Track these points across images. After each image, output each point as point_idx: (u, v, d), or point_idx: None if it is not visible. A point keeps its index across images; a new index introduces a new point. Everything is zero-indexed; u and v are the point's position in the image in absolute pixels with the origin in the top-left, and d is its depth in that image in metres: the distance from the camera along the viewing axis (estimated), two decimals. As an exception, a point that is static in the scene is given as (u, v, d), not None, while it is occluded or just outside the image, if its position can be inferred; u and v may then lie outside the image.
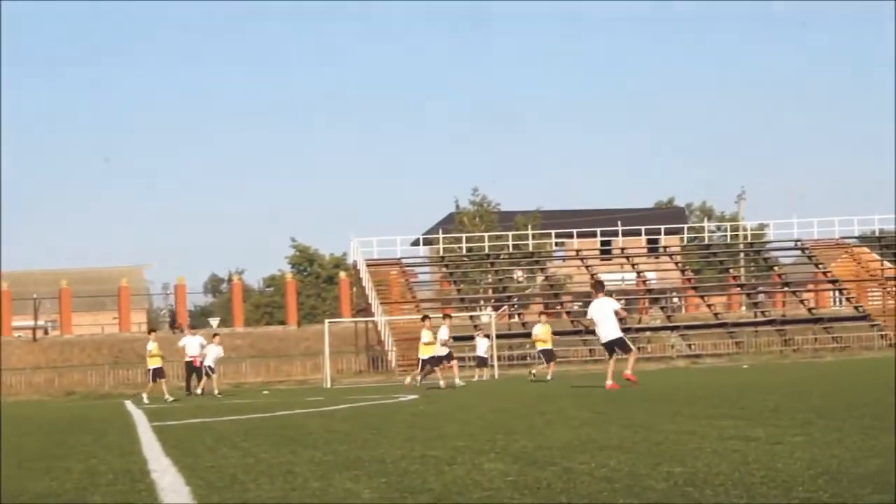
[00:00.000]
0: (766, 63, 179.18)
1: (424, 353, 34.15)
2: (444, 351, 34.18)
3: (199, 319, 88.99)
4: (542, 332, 36.18)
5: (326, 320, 58.88)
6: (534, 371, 38.29)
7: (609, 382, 23.15)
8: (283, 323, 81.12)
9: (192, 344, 41.71)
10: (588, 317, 25.73)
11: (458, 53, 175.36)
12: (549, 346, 36.12)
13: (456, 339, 64.22)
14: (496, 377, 49.02)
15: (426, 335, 33.88)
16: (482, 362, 49.42)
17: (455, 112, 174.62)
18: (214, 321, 78.68)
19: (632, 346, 24.96)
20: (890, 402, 12.81)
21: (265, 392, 40.36)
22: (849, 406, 12.44)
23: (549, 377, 34.16)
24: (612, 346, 23.94)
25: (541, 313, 41.45)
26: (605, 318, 23.81)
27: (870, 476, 6.64)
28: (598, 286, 25.97)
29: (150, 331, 46.52)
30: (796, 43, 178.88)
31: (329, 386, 47.41)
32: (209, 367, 42.47)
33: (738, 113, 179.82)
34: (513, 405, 18.87)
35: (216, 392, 40.27)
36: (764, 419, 11.43)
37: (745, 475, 6.98)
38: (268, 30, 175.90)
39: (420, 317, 40.22)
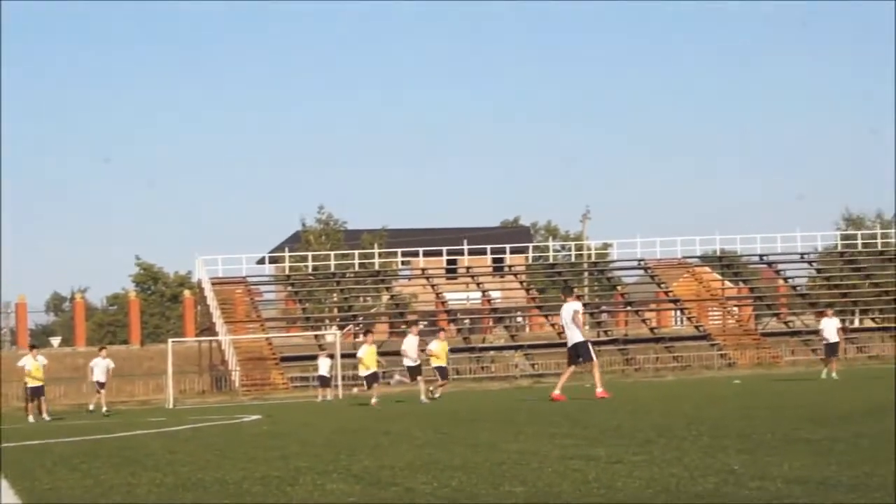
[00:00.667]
0: (607, 83, 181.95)
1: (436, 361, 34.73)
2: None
3: (39, 338, 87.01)
4: (438, 349, 34.86)
5: (170, 339, 58.11)
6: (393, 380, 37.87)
7: (556, 392, 23.11)
8: (125, 342, 79.83)
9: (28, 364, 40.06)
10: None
11: (303, 70, 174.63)
12: (443, 363, 34.97)
13: (300, 358, 64.19)
14: (340, 397, 48.82)
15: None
16: (325, 382, 49.14)
17: (302, 129, 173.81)
18: (56, 340, 76.94)
19: (593, 356, 24.01)
20: (728, 421, 13.04)
21: (105, 412, 39.61)
22: (688, 425, 12.62)
23: (437, 395, 33.18)
24: (573, 351, 23.71)
25: (440, 331, 39.52)
26: (570, 321, 23.65)
27: (708, 494, 6.74)
28: (566, 290, 26.54)
29: (32, 347, 44.52)
30: (636, 63, 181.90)
31: (171, 406, 46.78)
32: (98, 382, 41.88)
33: (583, 132, 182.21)
34: (357, 425, 18.81)
35: (104, 410, 39.65)
36: (605, 438, 11.54)
37: (585, 494, 7.03)
38: (112, 38, 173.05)
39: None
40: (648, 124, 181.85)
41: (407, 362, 34.44)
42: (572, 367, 24.02)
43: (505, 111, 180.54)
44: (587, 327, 23.54)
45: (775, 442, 9.88)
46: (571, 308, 23.77)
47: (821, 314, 36.80)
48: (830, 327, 34.63)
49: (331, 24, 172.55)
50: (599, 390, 23.06)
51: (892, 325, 70.26)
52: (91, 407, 39.73)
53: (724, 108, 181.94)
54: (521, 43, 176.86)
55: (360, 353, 33.85)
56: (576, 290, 26.18)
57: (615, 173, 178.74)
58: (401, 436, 14.27)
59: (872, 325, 74.13)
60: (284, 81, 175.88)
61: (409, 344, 34.31)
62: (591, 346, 24.16)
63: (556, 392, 23.15)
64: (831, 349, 34.45)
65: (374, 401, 30.68)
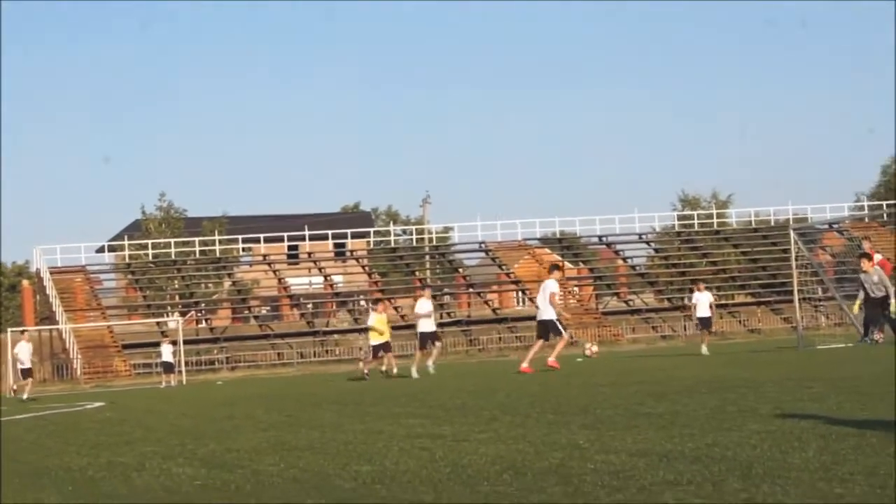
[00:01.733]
0: (444, 69, 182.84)
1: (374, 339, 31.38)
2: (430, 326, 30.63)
3: None
4: (377, 322, 31.69)
5: (9, 329, 56.98)
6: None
7: (524, 365, 23.41)
8: (-39, 333, 78.01)
9: None
10: None
11: (137, 58, 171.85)
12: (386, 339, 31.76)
13: (143, 345, 63.48)
14: (184, 382, 48.42)
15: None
16: (169, 368, 48.73)
17: (140, 118, 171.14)
18: None
19: (563, 331, 24.46)
20: (572, 398, 13.21)
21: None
22: (533, 402, 12.76)
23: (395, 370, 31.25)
24: (542, 326, 24.27)
25: (378, 302, 35.60)
26: (544, 298, 24.17)
27: (553, 469, 6.82)
28: (552, 268, 26.84)
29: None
30: (473, 52, 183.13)
31: (12, 396, 45.88)
32: (25, 369, 42.05)
33: (421, 118, 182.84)
34: (201, 410, 18.67)
35: (25, 396, 39.32)
36: (450, 417, 11.61)
37: (433, 472, 7.08)
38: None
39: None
40: (487, 109, 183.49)
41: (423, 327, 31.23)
42: (541, 342, 24.48)
43: (342, 96, 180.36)
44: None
45: (618, 417, 10.03)
46: (549, 286, 24.28)
47: (693, 289, 36.78)
48: (703, 301, 34.92)
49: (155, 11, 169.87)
50: (552, 359, 23.59)
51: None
52: (24, 396, 39.04)
53: (559, 92, 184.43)
54: (361, 32, 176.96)
55: (370, 321, 32.02)
56: (559, 268, 26.54)
57: (454, 158, 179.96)
58: (246, 419, 14.21)
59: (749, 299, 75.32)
60: (119, 70, 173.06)
61: (423, 308, 31.25)
62: (560, 324, 24.58)
63: (524, 365, 23.59)
64: (704, 323, 34.75)
65: (365, 370, 30.78)
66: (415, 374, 28.14)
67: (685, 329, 65.70)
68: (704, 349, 32.64)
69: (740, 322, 68.64)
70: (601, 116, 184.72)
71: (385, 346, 31.38)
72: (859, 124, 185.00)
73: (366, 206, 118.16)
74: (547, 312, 24.11)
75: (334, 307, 77.17)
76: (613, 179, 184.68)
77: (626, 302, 75.09)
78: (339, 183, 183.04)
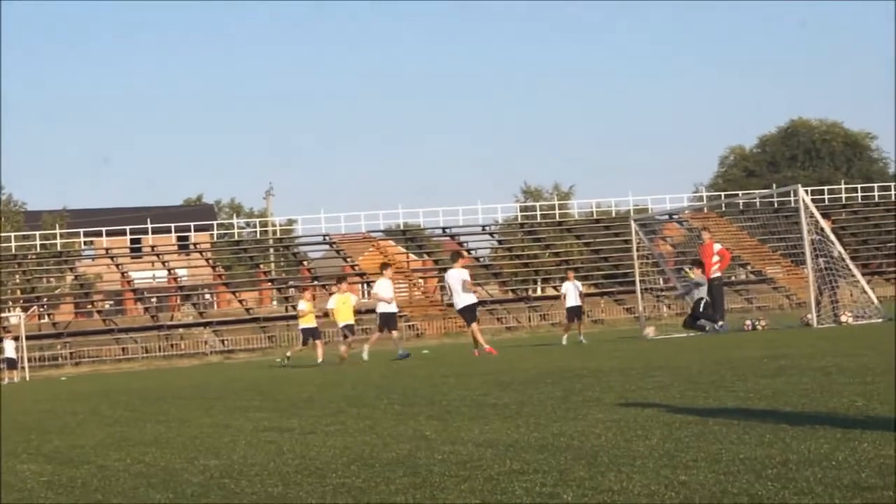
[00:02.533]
0: (288, 56, 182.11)
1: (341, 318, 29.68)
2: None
3: None
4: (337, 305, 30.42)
5: None
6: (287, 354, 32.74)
7: (486, 348, 24.08)
8: None
9: None
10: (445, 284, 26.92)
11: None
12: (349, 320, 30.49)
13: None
14: (27, 379, 47.61)
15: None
16: (12, 364, 47.96)
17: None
18: None
19: (477, 316, 25.69)
20: (419, 390, 13.28)
21: None
22: (379, 394, 12.81)
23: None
24: (463, 313, 25.11)
25: (341, 280, 34.88)
26: (456, 286, 24.85)
27: (400, 460, 6.88)
28: (454, 256, 27.59)
29: None
30: (310, 40, 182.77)
31: None
32: None
33: (264, 108, 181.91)
34: (45, 406, 18.41)
35: None
36: (298, 410, 11.62)
37: (281, 465, 7.09)
38: None
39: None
40: (329, 99, 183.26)
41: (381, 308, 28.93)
42: (474, 325, 25.13)
43: (183, 86, 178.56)
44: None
45: (465, 408, 10.12)
46: (459, 275, 25.04)
47: (565, 278, 37.03)
48: (572, 291, 34.92)
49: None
50: (487, 347, 24.19)
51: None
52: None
53: (401, 83, 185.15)
54: (200, 24, 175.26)
55: (329, 305, 30.51)
56: (463, 255, 27.36)
57: (297, 149, 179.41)
58: (90, 415, 14.06)
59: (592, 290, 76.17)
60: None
61: (383, 288, 29.03)
62: (476, 308, 25.67)
63: (487, 347, 24.31)
64: (573, 312, 34.70)
65: (343, 349, 28.59)
66: (365, 356, 27.55)
67: (529, 320, 66.32)
68: (570, 339, 32.84)
69: (584, 313, 69.34)
70: (443, 108, 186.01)
71: (314, 332, 31.37)
72: (698, 116, 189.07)
73: (209, 199, 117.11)
74: (467, 298, 24.80)
75: (178, 301, 76.35)
76: (456, 171, 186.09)
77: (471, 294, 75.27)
78: (181, 175, 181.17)
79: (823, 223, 27.50)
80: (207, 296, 79.62)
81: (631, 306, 64.38)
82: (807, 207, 27.71)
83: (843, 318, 26.05)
